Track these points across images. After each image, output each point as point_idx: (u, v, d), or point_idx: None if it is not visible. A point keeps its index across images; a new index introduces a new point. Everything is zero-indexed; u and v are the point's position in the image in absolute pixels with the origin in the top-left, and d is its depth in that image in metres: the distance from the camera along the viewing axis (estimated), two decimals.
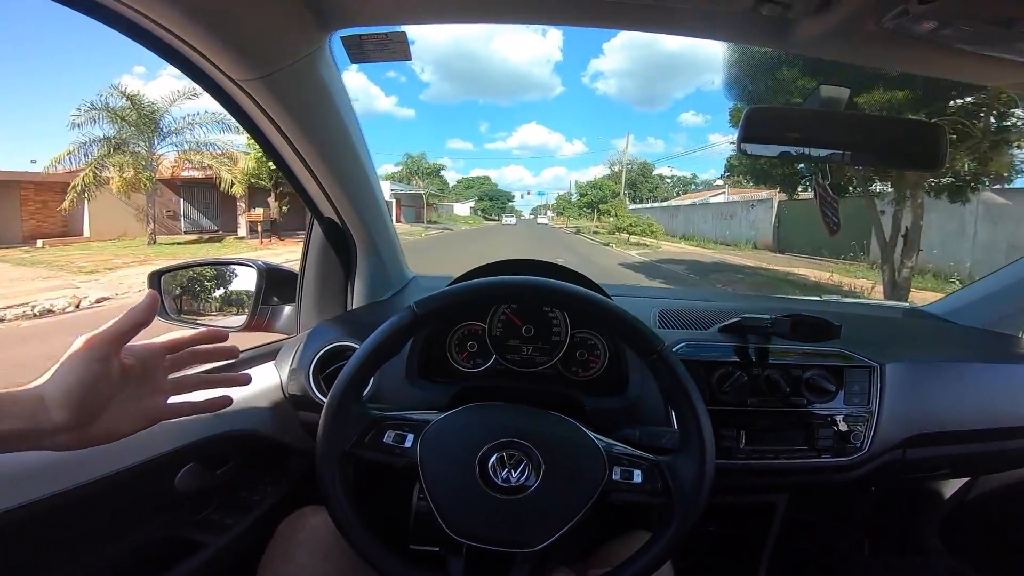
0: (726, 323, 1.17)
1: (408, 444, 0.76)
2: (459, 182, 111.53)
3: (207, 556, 0.94)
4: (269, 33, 0.72)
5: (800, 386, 1.11)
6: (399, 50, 0.87)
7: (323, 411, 0.75)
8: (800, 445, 1.10)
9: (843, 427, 1.10)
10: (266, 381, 1.13)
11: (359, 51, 0.87)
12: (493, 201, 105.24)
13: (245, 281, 1.23)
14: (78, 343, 0.63)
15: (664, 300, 1.42)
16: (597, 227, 40.53)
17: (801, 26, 0.72)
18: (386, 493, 1.17)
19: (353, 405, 0.76)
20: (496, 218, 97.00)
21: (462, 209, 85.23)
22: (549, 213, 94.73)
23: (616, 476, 0.76)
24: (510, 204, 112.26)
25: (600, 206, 35.90)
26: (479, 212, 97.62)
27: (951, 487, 1.52)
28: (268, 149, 0.95)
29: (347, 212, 1.14)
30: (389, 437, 0.76)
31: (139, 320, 0.66)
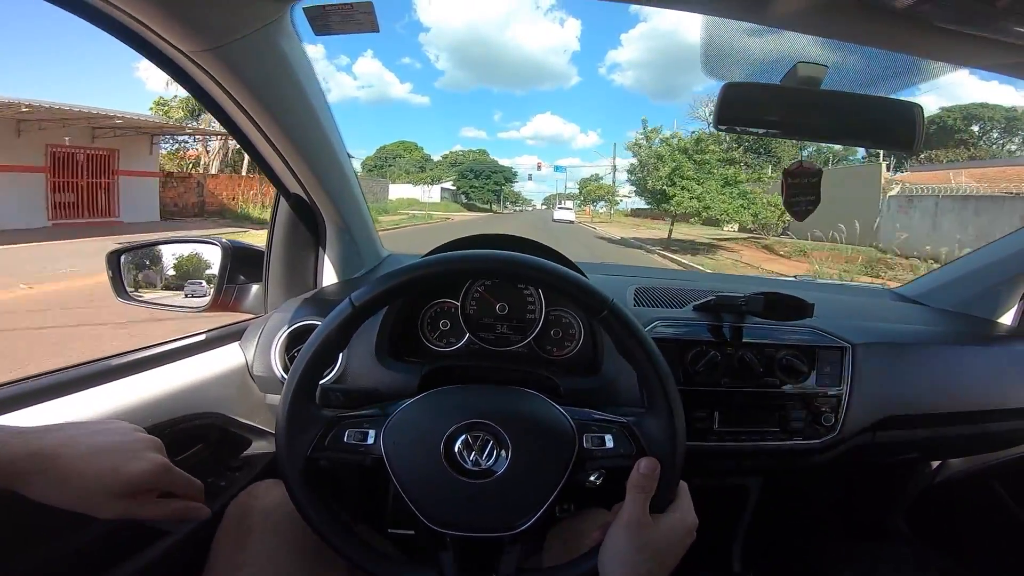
0: (700, 302, 1.17)
1: (370, 441, 0.73)
2: (445, 157, 76.00)
3: (170, 543, 0.90)
4: (222, 2, 0.68)
5: (773, 367, 1.11)
6: (365, 21, 0.84)
7: (277, 418, 0.72)
8: (772, 427, 1.10)
9: (815, 409, 1.11)
10: (231, 362, 1.10)
11: (322, 22, 0.84)
12: (482, 179, 67.07)
13: (209, 259, 1.19)
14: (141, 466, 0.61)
15: (640, 279, 1.41)
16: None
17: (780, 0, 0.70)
18: (363, 480, 1.16)
19: (307, 407, 0.73)
20: (488, 206, 65.68)
21: (423, 193, 55.48)
22: (568, 203, 59.45)
23: (587, 444, 0.74)
24: (508, 186, 73.05)
25: None
26: (462, 196, 65.78)
27: (918, 472, 1.55)
28: (227, 123, 0.91)
29: (314, 188, 1.11)
30: (349, 436, 0.73)
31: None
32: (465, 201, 65.52)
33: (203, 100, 0.84)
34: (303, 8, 0.80)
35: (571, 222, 36.85)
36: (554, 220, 37.10)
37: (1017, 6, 0.61)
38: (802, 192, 1.06)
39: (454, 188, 66.53)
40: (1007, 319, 1.40)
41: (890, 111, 0.95)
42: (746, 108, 0.94)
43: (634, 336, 0.74)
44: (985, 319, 1.41)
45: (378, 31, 0.86)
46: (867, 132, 0.97)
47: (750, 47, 0.95)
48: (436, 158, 75.96)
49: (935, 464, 1.53)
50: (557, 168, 73.92)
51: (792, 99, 0.94)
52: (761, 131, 0.98)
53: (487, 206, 66.99)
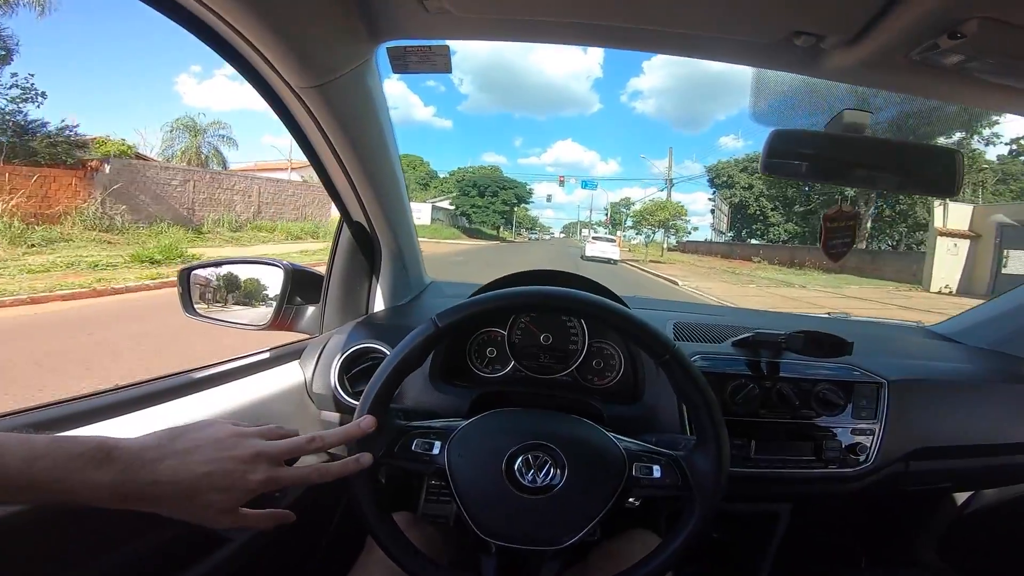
0: (739, 337, 1.20)
1: (435, 451, 0.79)
2: (452, 174, 61.13)
3: (232, 550, 0.95)
4: (328, 42, 0.76)
5: (810, 399, 1.14)
6: (440, 63, 0.90)
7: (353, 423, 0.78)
8: (808, 456, 1.13)
9: (850, 440, 1.14)
10: (291, 379, 1.16)
11: (402, 62, 0.90)
12: (488, 197, 51.48)
13: (271, 281, 1.25)
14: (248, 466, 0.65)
15: (680, 314, 1.45)
16: None
17: (833, 56, 0.76)
18: (396, 495, 1.20)
19: (382, 417, 0.79)
20: (495, 232, 53.76)
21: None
22: (601, 231, 48.17)
23: (636, 472, 0.80)
24: (523, 207, 58.39)
25: None
26: (462, 218, 52.03)
27: (951, 501, 1.55)
28: (311, 154, 0.98)
29: (376, 217, 1.18)
30: (417, 445, 0.80)
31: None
32: (467, 225, 51.99)
33: (295, 132, 0.92)
34: (387, 48, 0.88)
35: (614, 261, 24.76)
36: (586, 257, 25.17)
37: None
38: (840, 235, 1.09)
39: (452, 208, 51.98)
40: None
41: (932, 157, 0.99)
42: (792, 155, 0.99)
43: (693, 381, 0.80)
44: (1020, 357, 1.42)
45: (450, 72, 0.93)
46: (910, 178, 1.01)
47: (797, 95, 1.00)
48: (443, 175, 62.90)
49: (967, 494, 1.53)
50: (585, 184, 50.74)
51: (837, 145, 0.99)
52: (806, 177, 1.02)
53: (494, 232, 54.52)
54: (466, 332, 1.25)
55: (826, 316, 1.78)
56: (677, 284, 16.08)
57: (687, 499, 0.79)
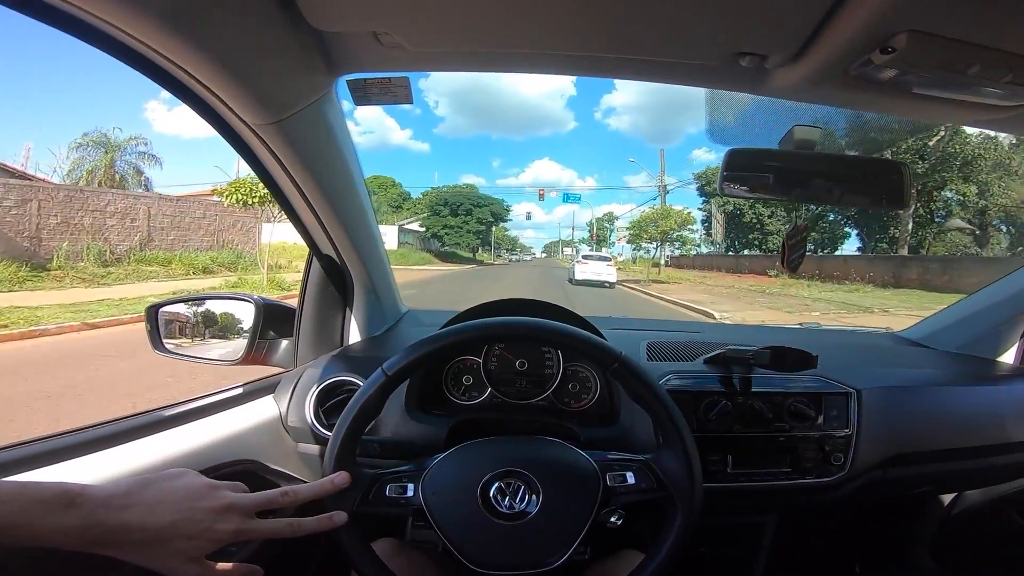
0: (711, 355, 1.22)
1: (410, 493, 0.80)
2: (425, 194, 55.41)
3: None
4: (283, 78, 0.77)
5: (782, 412, 1.16)
6: (401, 94, 0.93)
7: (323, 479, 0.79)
8: (785, 467, 1.15)
9: (824, 449, 1.15)
10: (266, 413, 1.15)
11: (363, 94, 0.92)
12: (461, 216, 48.06)
13: (243, 316, 1.25)
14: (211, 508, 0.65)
15: (652, 332, 1.47)
16: None
17: (776, 74, 0.79)
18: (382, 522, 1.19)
19: (351, 468, 0.79)
20: (473, 255, 51.35)
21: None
22: (575, 252, 41.02)
23: (611, 482, 0.81)
24: (500, 227, 57.16)
25: None
26: (433, 240, 48.67)
27: (938, 503, 1.57)
28: (274, 190, 0.99)
29: (346, 249, 1.19)
30: (391, 490, 0.80)
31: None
32: (439, 248, 48.26)
33: (256, 168, 0.92)
34: (347, 81, 0.89)
35: (610, 284, 20.82)
36: (576, 280, 21.32)
37: (985, 72, 0.70)
38: (798, 248, 1.12)
39: (422, 229, 47.74)
40: (1008, 357, 1.45)
41: (880, 170, 1.03)
42: (748, 171, 1.02)
43: (644, 384, 0.83)
44: (987, 359, 1.45)
45: (411, 103, 0.95)
46: (861, 191, 1.04)
47: (750, 114, 1.03)
48: (417, 195, 57.47)
49: (952, 496, 1.55)
50: (567, 197, 45.63)
51: (790, 161, 1.02)
52: (762, 195, 1.05)
53: (470, 254, 51.41)
54: (440, 362, 1.26)
55: (798, 327, 1.81)
56: (714, 317, 11.62)
57: (667, 502, 0.81)
